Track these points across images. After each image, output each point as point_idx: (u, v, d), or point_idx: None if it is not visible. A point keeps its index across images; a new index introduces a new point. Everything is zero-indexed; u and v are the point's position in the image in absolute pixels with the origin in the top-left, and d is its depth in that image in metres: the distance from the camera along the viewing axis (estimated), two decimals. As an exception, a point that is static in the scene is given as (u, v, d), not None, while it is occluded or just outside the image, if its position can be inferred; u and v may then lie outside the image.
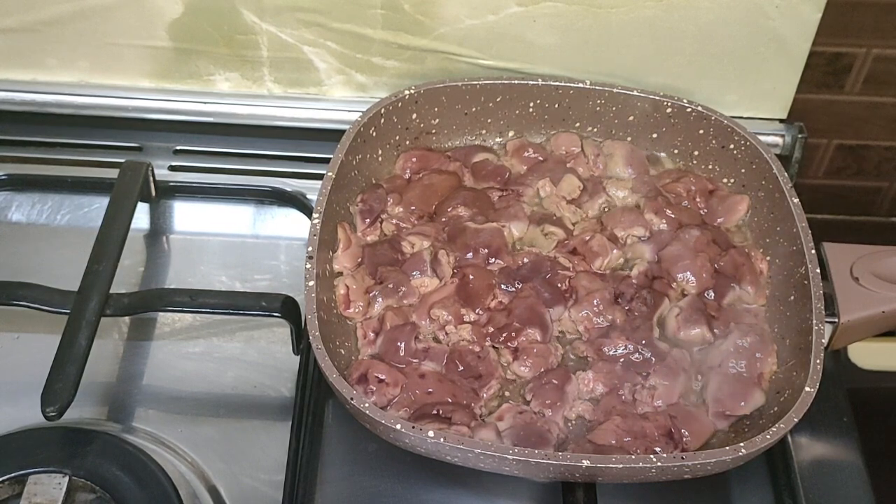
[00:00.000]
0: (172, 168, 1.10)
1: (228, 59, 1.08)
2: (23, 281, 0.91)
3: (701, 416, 0.86)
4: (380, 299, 0.91)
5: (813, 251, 0.90)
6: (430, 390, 0.85)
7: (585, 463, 0.77)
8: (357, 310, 0.91)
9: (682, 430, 0.84)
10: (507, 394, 0.88)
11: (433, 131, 1.04)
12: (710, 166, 1.03)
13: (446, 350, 0.89)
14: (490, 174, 1.02)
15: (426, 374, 0.87)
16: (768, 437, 0.78)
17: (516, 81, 1.02)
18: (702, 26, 1.03)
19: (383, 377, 0.85)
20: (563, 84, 1.02)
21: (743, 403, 0.86)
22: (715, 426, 0.86)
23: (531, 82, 1.02)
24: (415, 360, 0.88)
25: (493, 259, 0.94)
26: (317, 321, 0.83)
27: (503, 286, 0.93)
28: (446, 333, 0.90)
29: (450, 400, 0.85)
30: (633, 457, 0.79)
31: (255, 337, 0.97)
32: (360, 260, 0.94)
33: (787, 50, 1.05)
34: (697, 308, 0.91)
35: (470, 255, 0.95)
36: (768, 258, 0.96)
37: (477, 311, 0.91)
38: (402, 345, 0.88)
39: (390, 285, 0.92)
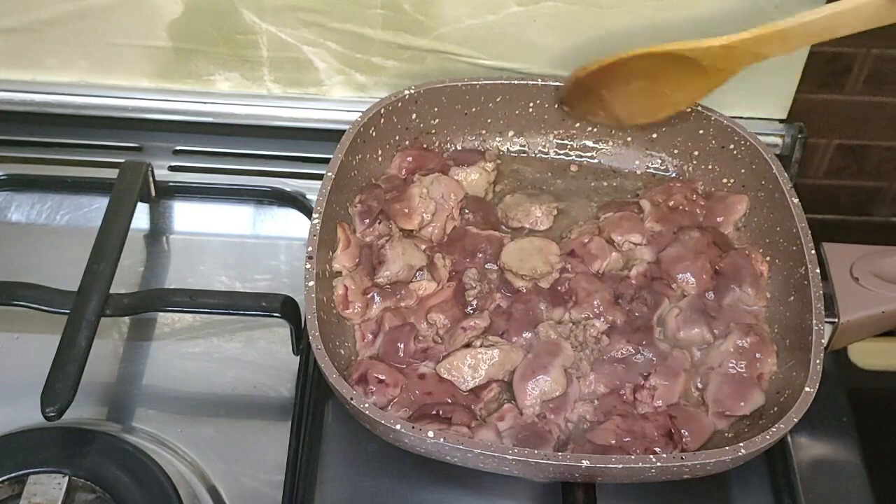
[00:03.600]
0: (172, 168, 1.10)
1: (228, 59, 1.08)
2: (23, 281, 0.91)
3: (701, 416, 0.86)
4: (378, 300, 0.91)
5: (813, 251, 0.90)
6: (430, 391, 0.85)
7: (585, 463, 0.77)
8: (355, 310, 0.91)
9: (683, 431, 0.84)
10: (506, 396, 0.88)
11: (433, 131, 1.04)
12: (710, 166, 1.03)
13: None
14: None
15: (426, 374, 0.87)
16: (768, 437, 0.78)
17: (516, 81, 1.02)
18: (701, 26, 1.03)
19: (383, 377, 0.85)
20: (563, 84, 1.02)
21: (743, 404, 0.86)
22: (715, 426, 0.86)
23: (531, 82, 1.02)
24: (415, 361, 0.88)
25: (490, 264, 0.94)
26: (317, 321, 0.83)
27: (502, 290, 0.93)
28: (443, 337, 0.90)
29: (449, 400, 0.85)
30: (633, 457, 0.79)
31: (255, 337, 0.97)
32: (358, 260, 0.94)
33: (787, 50, 1.05)
34: (697, 308, 0.91)
35: (467, 259, 0.95)
36: (768, 259, 0.96)
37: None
38: (402, 346, 0.88)
39: (388, 287, 0.92)
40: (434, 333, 0.90)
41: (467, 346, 0.88)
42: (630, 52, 0.93)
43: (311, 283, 0.85)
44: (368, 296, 0.91)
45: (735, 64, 0.91)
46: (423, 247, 0.95)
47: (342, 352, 0.88)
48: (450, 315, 0.90)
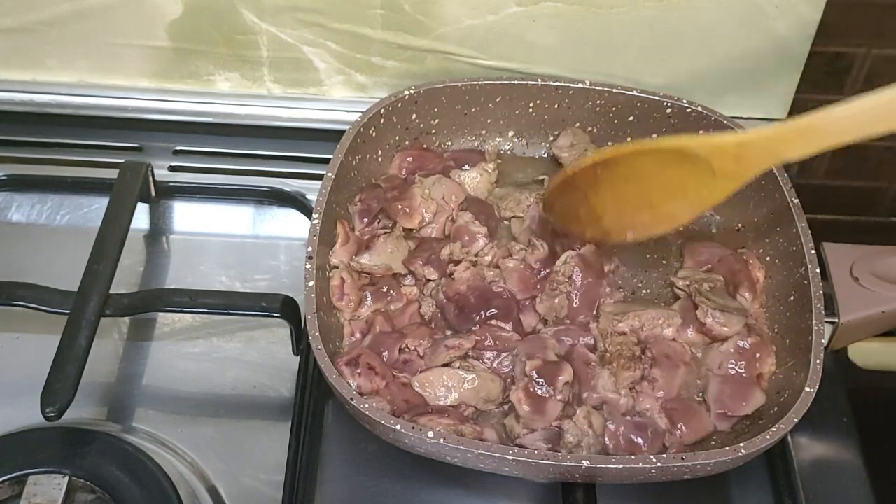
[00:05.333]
0: (172, 168, 1.10)
1: (228, 59, 1.08)
2: (23, 281, 0.91)
3: (701, 412, 0.86)
4: (370, 300, 0.91)
5: (813, 251, 0.90)
6: (407, 399, 0.85)
7: (585, 464, 0.77)
8: (348, 304, 0.91)
9: (679, 424, 0.84)
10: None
11: (433, 131, 1.04)
12: (710, 166, 1.03)
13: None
14: None
15: (407, 383, 0.87)
16: (768, 437, 0.78)
17: (516, 81, 1.02)
18: (702, 26, 1.03)
19: (374, 366, 0.85)
20: (563, 84, 1.02)
21: (744, 404, 0.86)
22: (716, 426, 0.86)
23: (531, 82, 1.02)
24: (395, 371, 0.87)
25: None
26: (317, 321, 0.83)
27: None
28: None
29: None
30: (633, 457, 0.79)
31: (255, 337, 0.97)
32: (354, 256, 0.94)
33: (787, 50, 1.05)
34: (687, 310, 0.91)
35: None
36: (769, 258, 0.95)
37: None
38: (386, 353, 0.87)
39: (384, 289, 0.92)
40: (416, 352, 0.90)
41: (447, 365, 0.87)
42: (628, 146, 0.82)
43: (311, 284, 0.85)
44: (363, 293, 0.91)
45: (748, 167, 0.79)
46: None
47: (342, 352, 0.88)
48: (421, 333, 0.90)
